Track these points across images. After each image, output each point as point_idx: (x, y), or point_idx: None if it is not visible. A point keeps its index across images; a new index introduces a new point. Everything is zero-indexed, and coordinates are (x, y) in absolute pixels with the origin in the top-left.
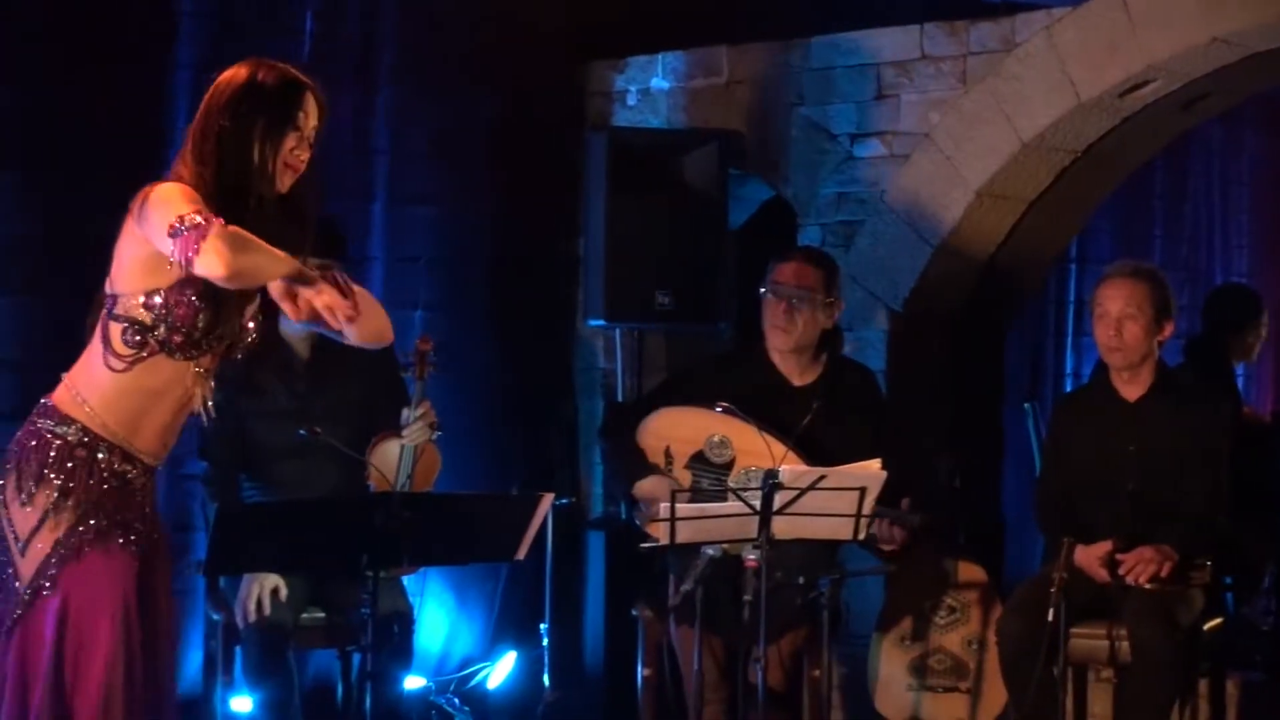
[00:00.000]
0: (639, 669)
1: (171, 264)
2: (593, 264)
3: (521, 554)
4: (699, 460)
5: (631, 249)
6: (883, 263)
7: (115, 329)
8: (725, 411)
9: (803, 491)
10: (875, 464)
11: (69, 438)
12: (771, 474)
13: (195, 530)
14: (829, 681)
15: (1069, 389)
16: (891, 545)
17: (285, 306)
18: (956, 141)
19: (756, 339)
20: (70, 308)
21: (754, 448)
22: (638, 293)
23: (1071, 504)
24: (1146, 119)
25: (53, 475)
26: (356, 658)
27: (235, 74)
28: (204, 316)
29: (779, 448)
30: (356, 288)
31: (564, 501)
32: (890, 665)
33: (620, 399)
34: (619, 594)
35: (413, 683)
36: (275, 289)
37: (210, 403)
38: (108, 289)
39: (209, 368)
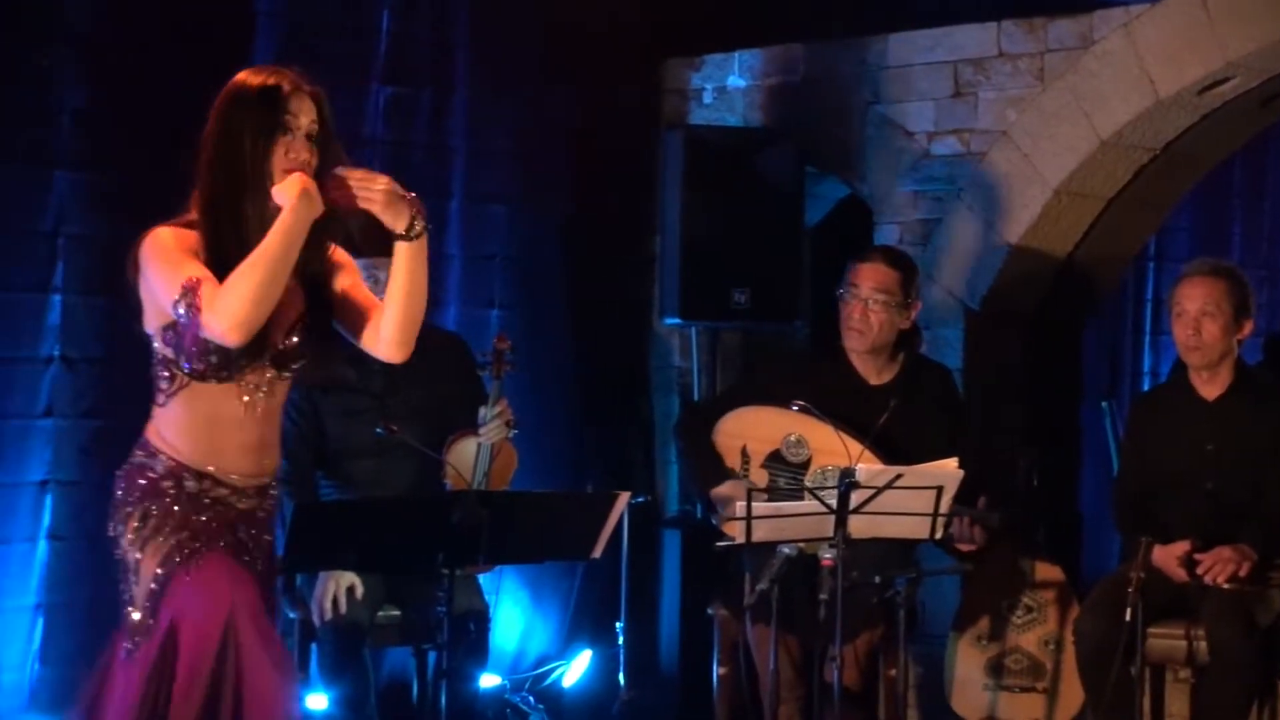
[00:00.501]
0: (714, 668)
1: None
2: (668, 262)
3: (597, 552)
4: (775, 459)
5: (707, 247)
6: (960, 261)
7: (156, 369)
8: (802, 410)
9: (879, 490)
10: (952, 463)
11: (157, 469)
12: (848, 473)
13: None
14: (905, 681)
15: (1147, 388)
16: (970, 545)
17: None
18: (1034, 139)
19: (833, 338)
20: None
21: (830, 447)
22: (713, 291)
23: (1149, 503)
24: (1225, 116)
25: (149, 505)
26: (432, 656)
27: (228, 84)
28: (212, 343)
29: (855, 446)
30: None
31: (640, 500)
32: (967, 665)
33: (696, 397)
34: (694, 593)
35: (488, 681)
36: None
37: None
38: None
39: (258, 382)
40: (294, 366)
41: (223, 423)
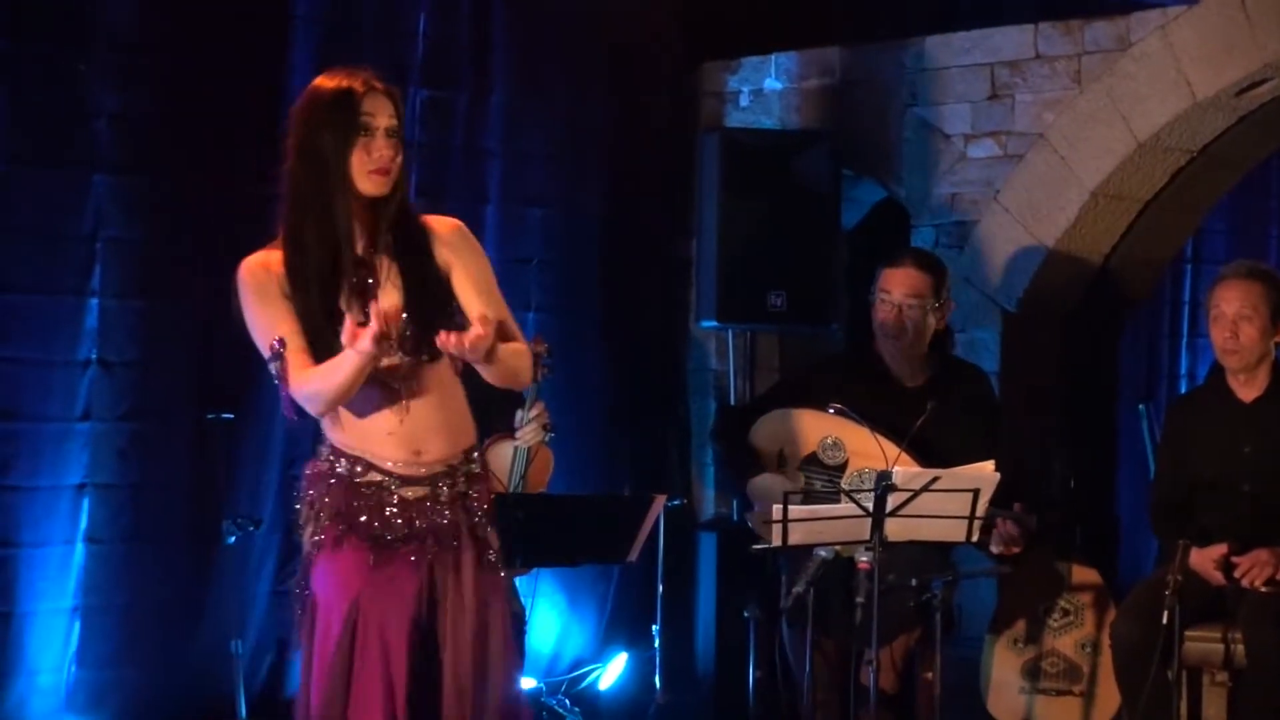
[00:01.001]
0: (751, 671)
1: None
2: (705, 265)
3: (634, 555)
4: (812, 462)
5: (744, 250)
6: (996, 264)
7: None
8: (838, 413)
9: (916, 493)
10: (989, 465)
11: (324, 455)
12: (885, 475)
13: None
14: (940, 684)
15: (1184, 390)
16: (1009, 549)
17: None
18: (1071, 141)
19: (868, 340)
20: (182, 310)
21: (867, 449)
22: (750, 294)
23: (1187, 506)
24: (1263, 118)
25: (313, 491)
26: None
27: (304, 91)
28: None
29: (892, 449)
30: (513, 345)
31: (676, 503)
32: (1003, 668)
33: (732, 400)
34: (731, 596)
35: (524, 684)
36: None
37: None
38: None
39: (397, 373)
40: (426, 348)
41: (370, 414)
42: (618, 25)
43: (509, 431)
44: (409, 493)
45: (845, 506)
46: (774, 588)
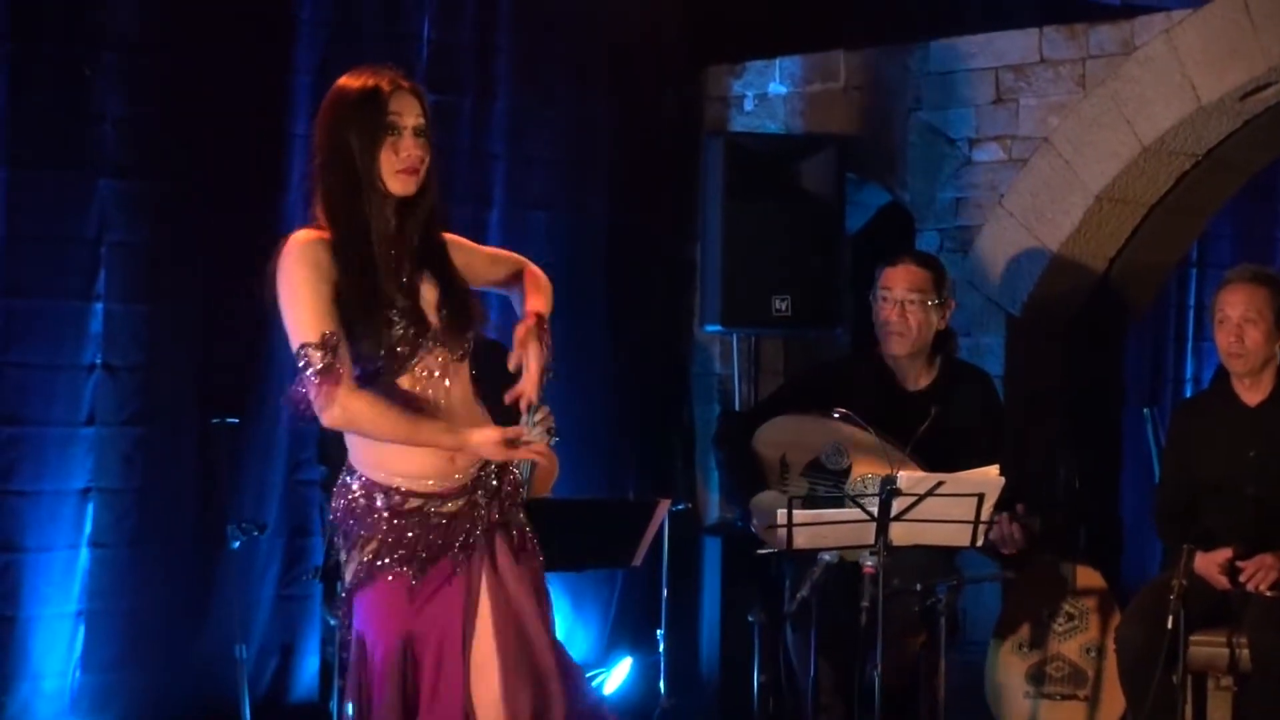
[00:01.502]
0: (755, 675)
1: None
2: (709, 269)
3: (638, 560)
4: (815, 468)
5: (748, 254)
6: (1001, 268)
7: None
8: (843, 418)
9: (921, 497)
10: (993, 470)
11: (355, 488)
12: (889, 480)
13: (313, 535)
14: (945, 688)
15: (1189, 394)
16: (1011, 548)
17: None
18: (1075, 145)
19: (872, 345)
20: (187, 314)
21: (871, 454)
22: (754, 298)
23: (1191, 510)
24: (1268, 121)
25: (353, 524)
26: None
27: (330, 91)
28: (365, 342)
29: (896, 454)
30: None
31: (680, 507)
32: (1008, 672)
33: (737, 405)
34: (735, 600)
35: None
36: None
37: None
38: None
39: (435, 367)
40: (465, 342)
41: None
42: (622, 30)
43: None
44: (449, 507)
45: (850, 511)
46: (778, 592)
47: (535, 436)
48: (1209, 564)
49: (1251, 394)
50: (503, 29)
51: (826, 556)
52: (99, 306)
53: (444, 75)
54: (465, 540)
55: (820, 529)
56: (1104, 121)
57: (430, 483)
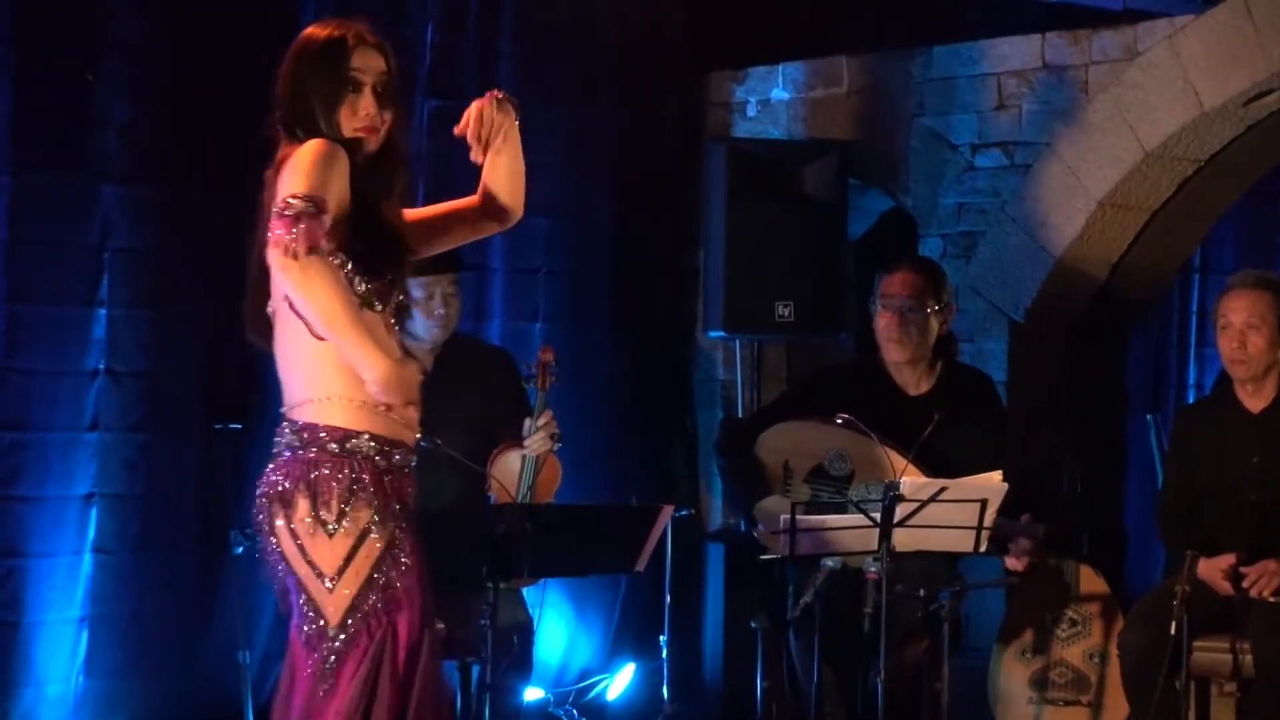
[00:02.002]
0: (758, 681)
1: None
2: (712, 275)
3: (641, 566)
4: (818, 474)
5: (751, 260)
6: (1004, 273)
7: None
8: (846, 424)
9: (924, 503)
10: (996, 476)
11: (368, 450)
12: (892, 486)
13: None
14: (948, 694)
15: (1192, 400)
16: (1020, 563)
17: None
18: (1079, 151)
19: (873, 350)
20: (190, 319)
21: (874, 460)
22: (757, 304)
23: (1194, 516)
24: (1271, 127)
25: (364, 494)
26: (476, 669)
27: (297, 39)
28: (363, 244)
29: (899, 460)
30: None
31: (683, 513)
32: (1011, 678)
33: (739, 410)
34: (738, 606)
35: (532, 694)
36: None
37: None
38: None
39: (389, 323)
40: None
41: (408, 382)
42: (625, 35)
43: (517, 441)
44: (412, 466)
45: (853, 517)
46: (781, 598)
47: (538, 442)
48: (1212, 569)
49: (1254, 400)
50: (506, 34)
51: (829, 562)
52: (102, 312)
53: (447, 80)
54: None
55: (823, 535)
56: (1107, 127)
57: (411, 432)
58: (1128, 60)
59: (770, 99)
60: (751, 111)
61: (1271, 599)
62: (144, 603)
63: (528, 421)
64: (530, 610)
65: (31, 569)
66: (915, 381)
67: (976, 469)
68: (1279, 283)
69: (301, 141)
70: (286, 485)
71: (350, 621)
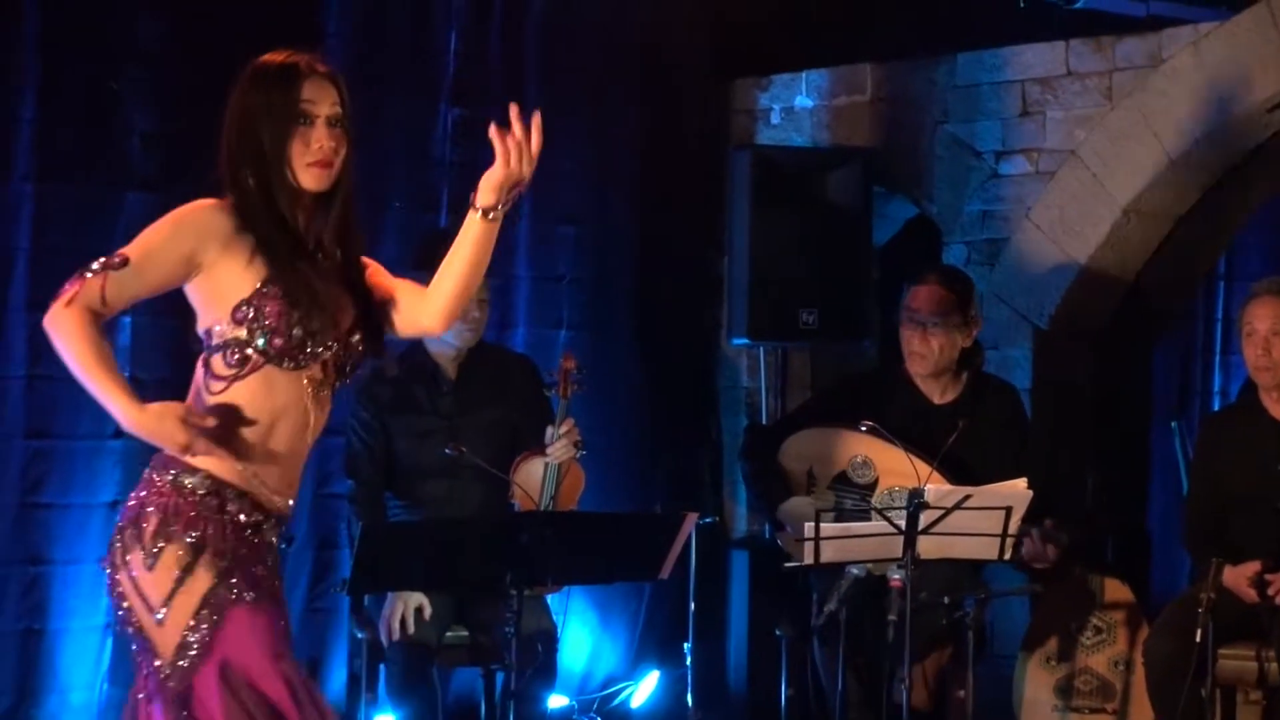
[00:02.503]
0: (782, 689)
1: (248, 269)
2: (736, 282)
3: (665, 573)
4: (842, 481)
5: (775, 267)
6: (1028, 281)
7: (216, 359)
8: (870, 431)
9: (948, 511)
10: (1021, 483)
11: (197, 489)
12: (917, 493)
13: (340, 548)
14: (973, 702)
15: (1217, 407)
16: (1044, 563)
17: None
18: (1103, 158)
19: (898, 358)
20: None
21: (898, 468)
22: (782, 311)
23: (1220, 524)
24: None
25: (182, 531)
26: (500, 676)
27: (247, 68)
28: (296, 313)
29: (923, 467)
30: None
31: (707, 520)
32: (1036, 686)
33: (764, 418)
34: (763, 613)
35: (556, 702)
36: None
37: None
38: (199, 332)
39: (319, 381)
40: (349, 371)
41: (281, 423)
42: (649, 43)
43: (540, 448)
44: (269, 536)
45: (877, 524)
46: (806, 606)
47: (561, 449)
48: (1237, 577)
49: (1279, 407)
50: (530, 42)
51: (854, 570)
52: (127, 320)
53: (471, 87)
54: (269, 579)
55: (847, 542)
56: (1131, 134)
57: (278, 500)
58: (1152, 67)
59: (794, 106)
60: (775, 119)
61: None
62: None
63: (550, 429)
64: (554, 617)
65: (56, 576)
66: (940, 391)
67: (1000, 476)
68: None
69: (239, 190)
70: (131, 504)
71: (181, 657)
